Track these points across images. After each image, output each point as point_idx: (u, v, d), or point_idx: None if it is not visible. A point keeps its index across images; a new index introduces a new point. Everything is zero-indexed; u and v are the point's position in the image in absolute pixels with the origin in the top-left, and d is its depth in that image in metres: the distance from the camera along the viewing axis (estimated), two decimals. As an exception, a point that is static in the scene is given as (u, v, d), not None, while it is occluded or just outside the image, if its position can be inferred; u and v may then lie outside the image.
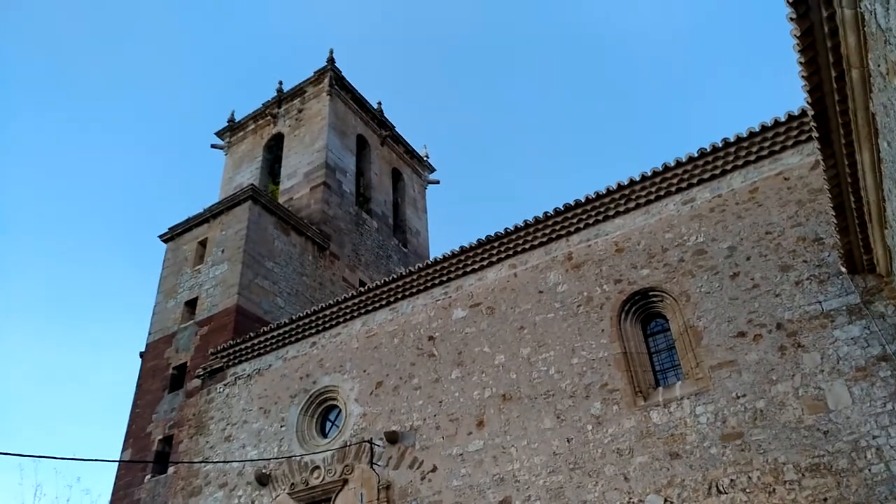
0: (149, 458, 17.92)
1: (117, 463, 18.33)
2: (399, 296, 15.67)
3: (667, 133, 65.66)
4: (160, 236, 23.07)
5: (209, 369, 18.07)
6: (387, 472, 13.59)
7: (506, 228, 14.46)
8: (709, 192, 12.67)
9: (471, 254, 14.84)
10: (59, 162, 65.21)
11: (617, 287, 12.79)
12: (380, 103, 29.75)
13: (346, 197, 25.47)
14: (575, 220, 13.85)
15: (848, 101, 7.22)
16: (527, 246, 14.30)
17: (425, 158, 31.63)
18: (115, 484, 18.26)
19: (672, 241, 12.61)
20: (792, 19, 6.77)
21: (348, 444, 14.48)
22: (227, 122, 29.06)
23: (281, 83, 28.29)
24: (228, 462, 16.03)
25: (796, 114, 11.84)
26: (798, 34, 6.87)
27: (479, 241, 14.74)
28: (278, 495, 14.84)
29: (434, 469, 13.02)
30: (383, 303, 15.86)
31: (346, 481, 14.02)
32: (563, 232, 13.96)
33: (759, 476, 9.82)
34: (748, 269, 11.52)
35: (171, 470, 17.26)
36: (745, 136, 12.35)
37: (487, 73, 74.08)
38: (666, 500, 10.42)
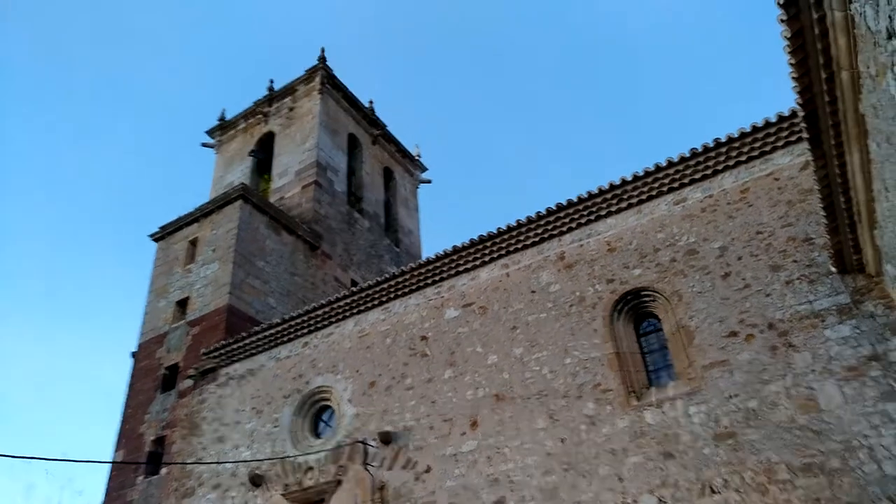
0: (141, 458, 17.84)
1: (109, 464, 18.27)
2: (391, 296, 15.65)
3: (658, 133, 65.85)
4: (151, 235, 22.96)
5: (201, 369, 18.01)
6: (381, 472, 13.58)
7: (498, 228, 14.45)
8: (700, 192, 12.70)
9: (463, 253, 14.83)
10: (49, 161, 64.94)
11: (609, 287, 12.81)
12: (371, 102, 29.67)
13: (338, 196, 25.41)
14: (567, 220, 13.86)
15: (838, 103, 7.25)
16: (519, 245, 14.30)
17: (417, 158, 31.56)
18: (107, 485, 18.18)
19: (664, 241, 12.63)
20: (782, 21, 6.78)
21: (342, 444, 14.46)
22: (218, 120, 28.93)
23: (272, 82, 28.22)
24: (221, 463, 15.99)
25: (787, 114, 11.85)
26: (788, 35, 6.88)
27: (471, 240, 14.73)
28: (272, 496, 14.81)
29: (428, 469, 13.02)
30: (375, 303, 15.84)
31: (339, 482, 14.01)
32: (555, 232, 13.97)
33: (752, 476, 9.86)
34: (739, 268, 11.55)
35: (163, 471, 17.19)
36: (735, 136, 12.37)
37: (479, 72, 74.11)
38: (660, 501, 10.45)
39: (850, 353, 9.96)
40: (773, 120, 12.05)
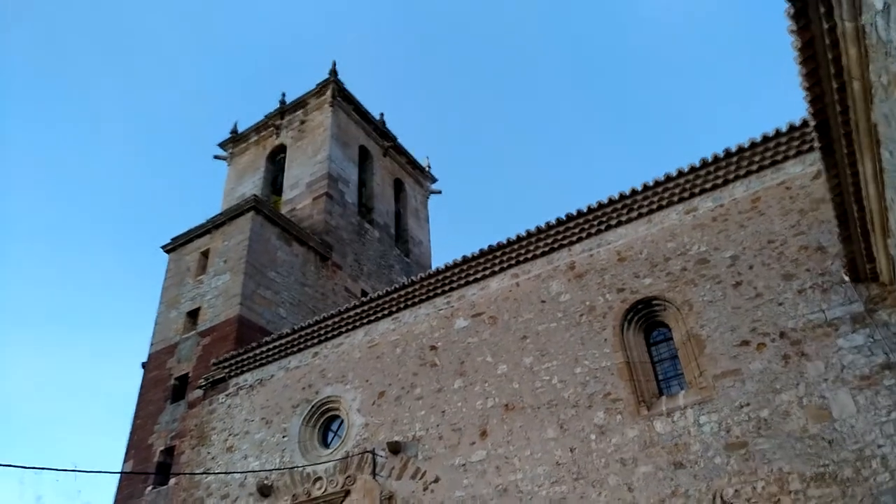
0: (150, 469, 17.86)
1: (119, 474, 18.30)
2: (401, 305, 15.67)
3: (669, 143, 65.82)
4: (163, 247, 23.10)
5: (211, 380, 18.05)
6: (389, 482, 13.55)
7: (508, 238, 14.48)
8: (711, 201, 12.69)
9: (473, 263, 14.85)
10: (62, 171, 65.42)
11: (619, 296, 12.80)
12: (382, 114, 29.88)
13: (349, 207, 25.53)
14: (577, 230, 13.87)
15: (849, 112, 7.25)
16: (529, 255, 14.32)
17: (427, 169, 31.73)
18: (116, 496, 18.20)
19: (674, 251, 12.62)
20: (793, 31, 6.81)
21: (350, 454, 14.44)
22: (230, 133, 29.15)
23: (284, 95, 28.45)
24: (230, 473, 15.99)
25: (798, 124, 11.87)
26: (799, 46, 6.91)
27: (481, 250, 14.75)
28: (281, 506, 14.78)
29: (437, 480, 12.98)
30: (385, 312, 15.85)
31: (348, 492, 13.98)
32: (565, 241, 13.98)
33: (764, 486, 9.79)
34: (751, 277, 11.52)
35: (172, 481, 17.20)
36: (746, 145, 12.38)
37: (489, 82, 74.40)
38: (670, 511, 10.38)
39: (863, 361, 9.90)
40: (784, 129, 12.06)
